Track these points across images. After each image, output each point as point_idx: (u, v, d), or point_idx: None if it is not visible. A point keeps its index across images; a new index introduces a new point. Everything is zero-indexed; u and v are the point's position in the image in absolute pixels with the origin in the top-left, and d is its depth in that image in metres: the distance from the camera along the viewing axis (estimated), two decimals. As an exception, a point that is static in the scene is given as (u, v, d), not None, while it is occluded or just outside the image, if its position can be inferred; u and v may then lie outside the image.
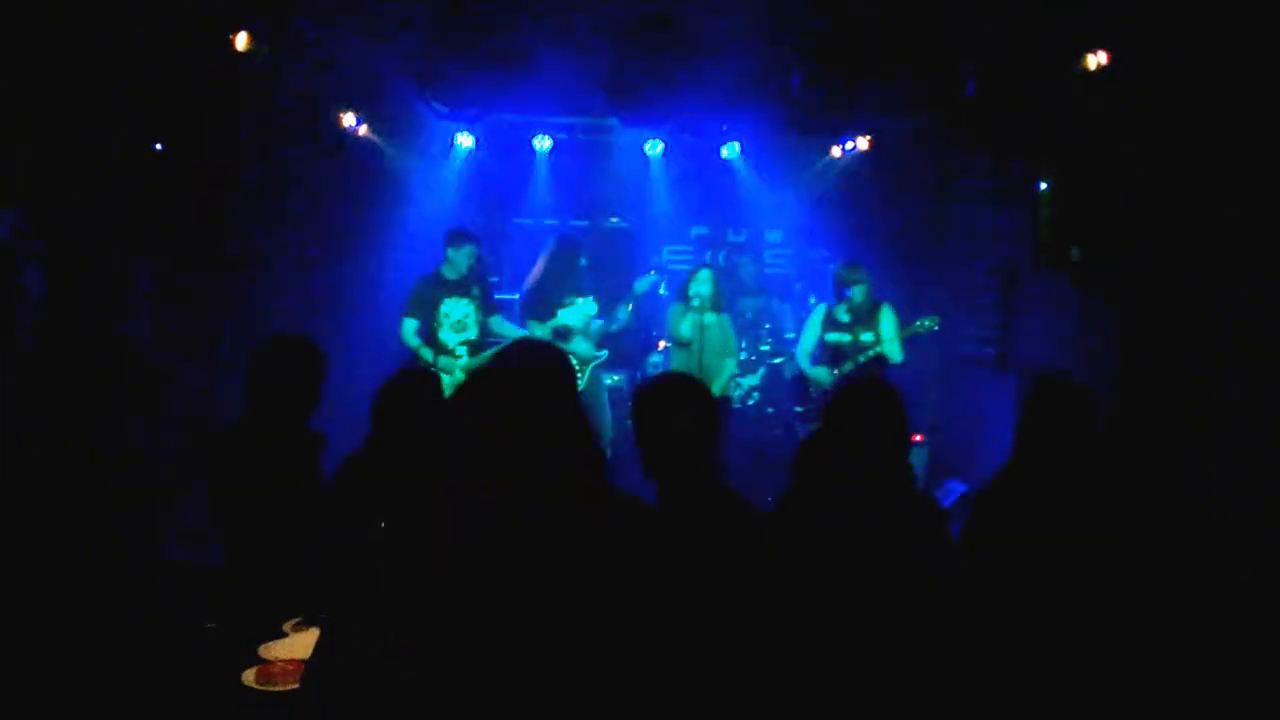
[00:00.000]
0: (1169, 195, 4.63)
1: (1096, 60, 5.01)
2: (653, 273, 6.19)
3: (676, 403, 2.37)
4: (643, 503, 2.11)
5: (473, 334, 5.76)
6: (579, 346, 5.81)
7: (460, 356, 5.68)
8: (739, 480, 3.44)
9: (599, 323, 5.97)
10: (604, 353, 6.00)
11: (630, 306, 6.00)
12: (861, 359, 5.28)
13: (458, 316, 5.74)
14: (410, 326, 5.68)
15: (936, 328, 5.30)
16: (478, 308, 5.79)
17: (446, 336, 5.70)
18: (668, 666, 1.99)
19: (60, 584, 2.69)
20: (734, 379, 6.04)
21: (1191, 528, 3.58)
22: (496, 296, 6.20)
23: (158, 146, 5.69)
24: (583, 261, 6.02)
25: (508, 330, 5.96)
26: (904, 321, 5.38)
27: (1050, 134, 5.88)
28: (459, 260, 5.70)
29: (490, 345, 5.76)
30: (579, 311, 5.82)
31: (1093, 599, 2.48)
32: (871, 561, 2.43)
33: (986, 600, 2.53)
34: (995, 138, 6.38)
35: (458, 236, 5.76)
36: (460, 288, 5.74)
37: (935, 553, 2.53)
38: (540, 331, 5.79)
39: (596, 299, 5.97)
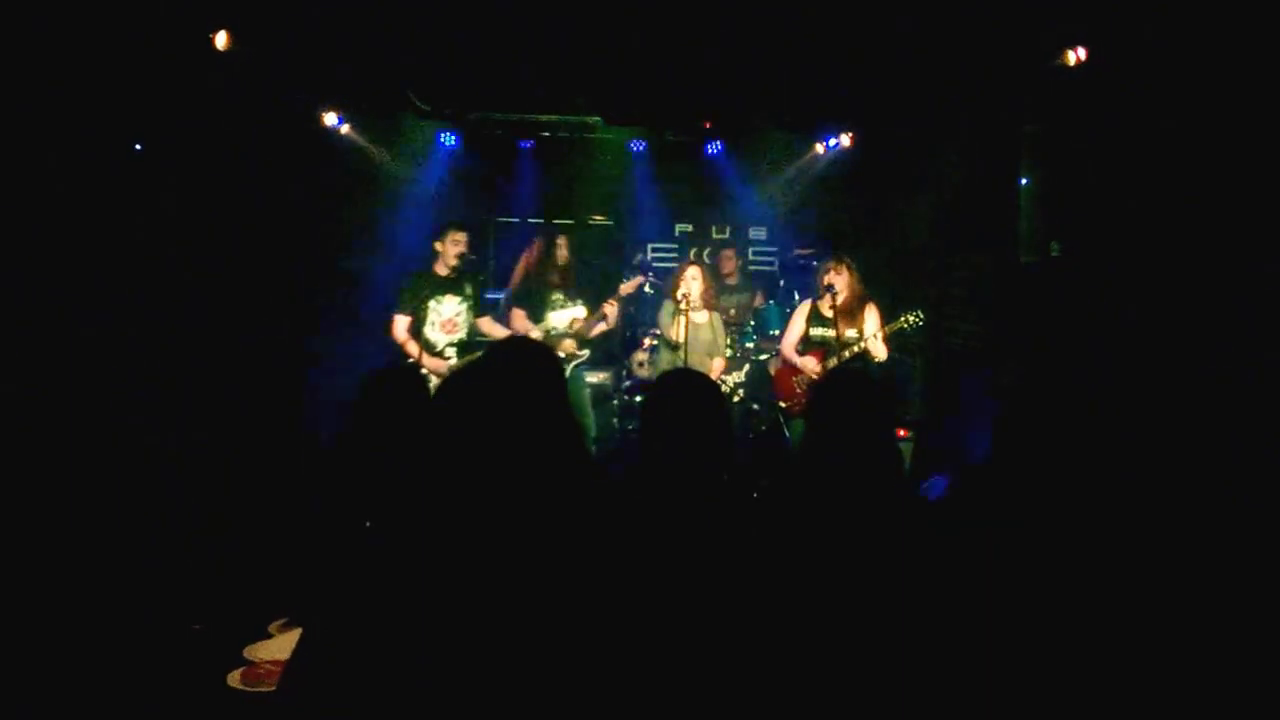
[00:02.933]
0: (1149, 190, 4.67)
1: (1076, 56, 5.05)
2: (639, 276, 6.16)
3: (691, 395, 2.38)
4: (630, 499, 2.12)
5: (464, 334, 5.60)
6: (563, 345, 5.79)
7: (450, 358, 5.52)
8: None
9: (582, 321, 5.95)
10: (587, 351, 5.99)
11: (616, 308, 5.98)
12: (846, 355, 5.30)
13: (448, 315, 5.53)
14: (402, 324, 5.46)
15: (921, 324, 5.32)
16: (469, 306, 5.63)
17: (436, 336, 5.51)
18: (656, 663, 2.00)
19: (50, 585, 2.66)
20: (720, 376, 6.04)
21: (1181, 522, 3.61)
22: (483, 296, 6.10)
23: (137, 147, 5.65)
24: (566, 260, 5.99)
25: (498, 331, 5.84)
26: (887, 318, 5.40)
27: (1031, 130, 5.92)
28: (448, 253, 5.49)
29: (479, 346, 5.67)
30: (563, 310, 5.79)
31: (1080, 597, 2.50)
32: (856, 556, 2.44)
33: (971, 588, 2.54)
34: (977, 134, 6.42)
35: (443, 227, 5.57)
36: (452, 285, 5.55)
37: (919, 547, 2.54)
38: (527, 329, 5.76)
39: (581, 297, 5.95)
